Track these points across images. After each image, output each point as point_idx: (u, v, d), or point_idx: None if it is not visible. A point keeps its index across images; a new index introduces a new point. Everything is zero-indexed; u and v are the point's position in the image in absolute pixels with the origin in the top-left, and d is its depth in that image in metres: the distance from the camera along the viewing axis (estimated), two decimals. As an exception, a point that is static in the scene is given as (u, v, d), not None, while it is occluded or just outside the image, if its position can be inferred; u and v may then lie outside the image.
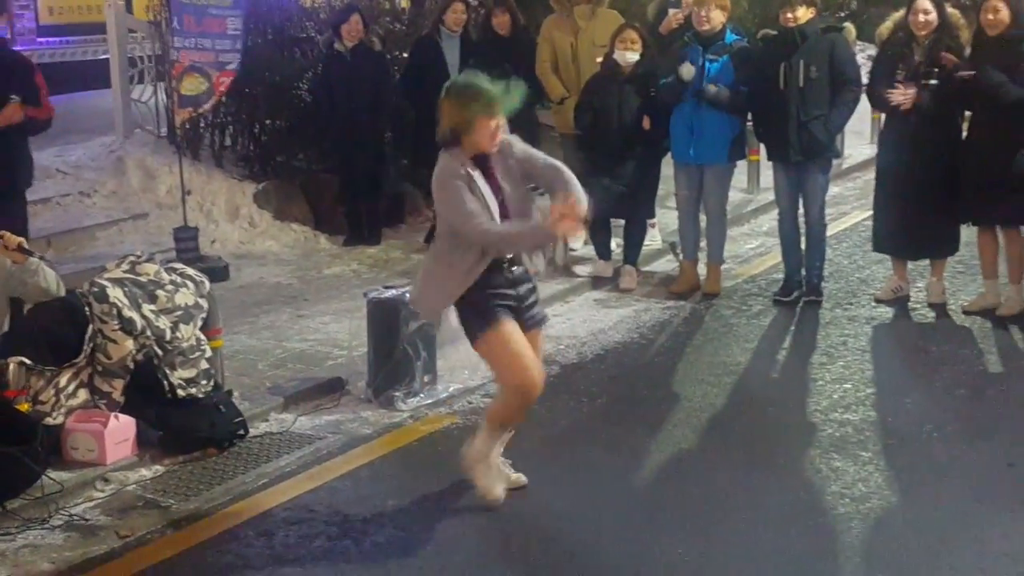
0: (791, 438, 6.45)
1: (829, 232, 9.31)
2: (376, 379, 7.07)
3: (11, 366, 5.96)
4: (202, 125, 11.17)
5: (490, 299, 5.44)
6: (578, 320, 8.69)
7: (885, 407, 6.84)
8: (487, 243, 5.33)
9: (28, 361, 6.01)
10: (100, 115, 12.22)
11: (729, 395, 7.16)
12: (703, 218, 9.28)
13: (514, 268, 5.47)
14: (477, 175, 5.36)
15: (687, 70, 8.62)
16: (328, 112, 10.55)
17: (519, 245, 5.43)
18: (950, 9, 8.37)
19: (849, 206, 12.13)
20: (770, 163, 9.02)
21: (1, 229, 6.20)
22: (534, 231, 5.40)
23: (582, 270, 9.58)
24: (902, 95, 8.18)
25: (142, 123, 11.56)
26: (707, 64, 8.73)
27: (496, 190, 5.38)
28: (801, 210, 8.84)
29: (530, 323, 5.59)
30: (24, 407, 6.00)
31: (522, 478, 5.82)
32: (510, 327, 5.44)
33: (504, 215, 5.38)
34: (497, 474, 5.68)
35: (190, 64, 9.67)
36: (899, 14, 8.45)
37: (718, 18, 8.77)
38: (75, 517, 5.62)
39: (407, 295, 7.02)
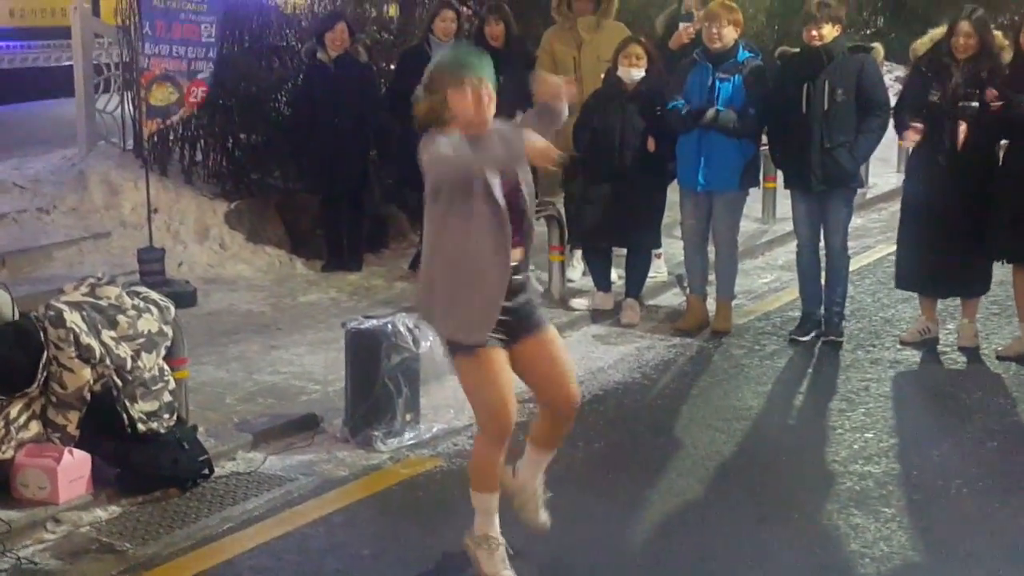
0: (806, 491, 6.42)
1: (852, 267, 9.30)
2: (354, 417, 7.05)
3: (-43, 395, 5.93)
4: (171, 138, 11.17)
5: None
6: (575, 357, 8.59)
7: (910, 459, 6.82)
8: (464, 160, 5.03)
9: (-25, 390, 5.98)
10: (62, 125, 12.23)
11: (739, 443, 7.14)
12: (712, 249, 9.27)
13: (515, 276, 5.25)
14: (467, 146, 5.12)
15: (711, 114, 8.63)
16: (308, 126, 10.56)
17: (509, 150, 5.05)
18: (996, 32, 8.41)
19: (873, 239, 12.14)
20: (787, 191, 9.02)
21: None
22: (514, 129, 5.13)
23: (580, 303, 9.57)
24: (917, 135, 8.23)
25: (107, 135, 11.56)
26: (717, 83, 8.74)
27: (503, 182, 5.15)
28: (821, 242, 8.84)
29: (533, 329, 5.36)
30: (-31, 439, 5.97)
31: (547, 524, 5.67)
32: (498, 355, 5.26)
33: (514, 209, 5.19)
34: (503, 557, 5.42)
35: (161, 73, 9.67)
36: (939, 31, 8.49)
37: (730, 35, 8.79)
38: (23, 560, 5.57)
39: (389, 326, 7.03)
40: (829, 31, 8.44)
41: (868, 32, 16.03)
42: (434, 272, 5.28)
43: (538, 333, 5.38)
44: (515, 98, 10.49)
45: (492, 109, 5.21)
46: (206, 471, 6.47)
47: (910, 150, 8.97)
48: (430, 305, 5.34)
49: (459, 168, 5.06)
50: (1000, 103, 8.07)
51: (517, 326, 5.31)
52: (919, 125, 8.26)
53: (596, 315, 9.49)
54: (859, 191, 9.53)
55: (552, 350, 5.41)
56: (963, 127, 8.18)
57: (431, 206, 5.25)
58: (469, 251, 5.16)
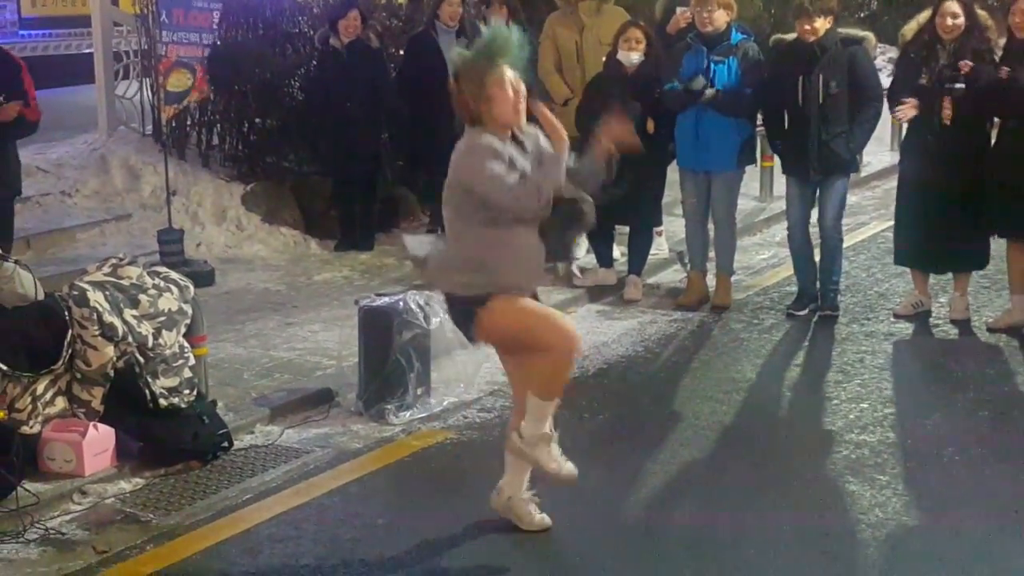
0: (804, 460, 6.42)
1: (846, 243, 9.29)
2: (367, 391, 7.05)
3: (-15, 372, 5.94)
4: (189, 123, 11.17)
5: None
6: (580, 332, 8.60)
7: (904, 428, 6.81)
8: (524, 203, 4.98)
9: (4, 367, 5.97)
10: (83, 112, 12.22)
11: (738, 413, 7.14)
12: (712, 227, 9.25)
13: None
14: (512, 149, 5.08)
15: (698, 82, 8.59)
16: (322, 111, 10.55)
17: (549, 178, 5.03)
18: (979, 11, 8.34)
19: (868, 216, 12.12)
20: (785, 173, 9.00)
21: None
22: (554, 158, 5.06)
23: (584, 280, 9.56)
24: (913, 109, 8.18)
25: (126, 120, 11.58)
26: (713, 66, 8.71)
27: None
28: (814, 220, 8.81)
29: None
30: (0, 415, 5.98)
31: (546, 520, 5.57)
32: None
33: None
34: (559, 454, 5.38)
35: (177, 59, 9.66)
36: (924, 15, 8.42)
37: (722, 18, 8.75)
38: (51, 531, 5.60)
39: (400, 303, 7.03)
40: (822, 24, 8.37)
41: (862, 15, 15.96)
42: (467, 252, 5.17)
43: None
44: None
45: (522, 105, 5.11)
46: (226, 444, 6.49)
47: (904, 130, 8.95)
48: (448, 274, 5.25)
49: (521, 208, 5.00)
50: (1007, 70, 7.97)
51: None
52: (913, 101, 8.20)
53: (600, 291, 9.48)
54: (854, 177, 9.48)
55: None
56: (947, 103, 8.13)
57: (472, 212, 5.11)
58: (516, 247, 5.14)
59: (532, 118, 5.21)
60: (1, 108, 8.19)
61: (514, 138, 5.16)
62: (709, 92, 8.62)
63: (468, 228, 5.17)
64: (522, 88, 5.11)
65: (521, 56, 5.13)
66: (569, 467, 5.41)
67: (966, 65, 8.07)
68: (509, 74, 5.07)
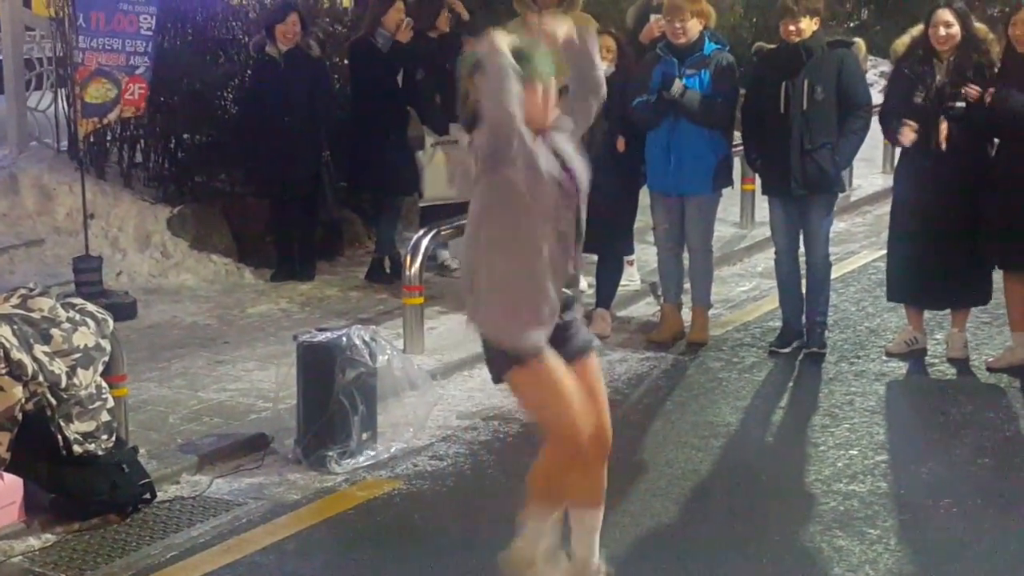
0: (788, 512, 6.45)
1: (834, 274, 9.35)
2: (306, 436, 7.04)
3: None
4: (109, 139, 11.14)
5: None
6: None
7: (897, 477, 6.86)
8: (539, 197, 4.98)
9: (-102, 410, 5.94)
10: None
11: (716, 461, 7.17)
12: (687, 255, 9.30)
13: (567, 289, 5.15)
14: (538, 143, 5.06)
15: (678, 87, 8.65)
16: (257, 125, 10.54)
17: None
18: (977, 24, 8.44)
19: (858, 244, 12.21)
20: (765, 195, 9.06)
21: None
22: None
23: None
24: (913, 133, 8.22)
25: (39, 135, 11.53)
26: (685, 79, 8.76)
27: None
28: (802, 248, 8.88)
29: (578, 351, 5.20)
30: None
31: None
32: (551, 356, 5.04)
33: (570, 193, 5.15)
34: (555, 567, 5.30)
35: (97, 68, 9.64)
36: (918, 28, 8.50)
37: (694, 28, 8.81)
38: (-51, 593, 5.56)
39: (344, 339, 7.02)
40: (807, 25, 8.46)
41: (851, 25, 16.12)
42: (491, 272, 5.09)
43: (582, 357, 5.22)
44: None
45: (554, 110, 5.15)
46: (147, 496, 6.45)
47: (898, 154, 9.02)
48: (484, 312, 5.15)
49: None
50: (991, 98, 8.08)
51: (563, 342, 5.16)
52: (913, 124, 8.27)
53: (564, 326, 9.49)
54: (840, 194, 9.55)
55: (592, 380, 5.25)
56: (944, 126, 8.20)
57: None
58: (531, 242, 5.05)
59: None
60: None
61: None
62: (677, 85, 8.65)
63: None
64: (549, 89, 5.12)
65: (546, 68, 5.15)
66: None
67: (969, 91, 8.12)
68: (535, 76, 5.07)
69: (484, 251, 5.08)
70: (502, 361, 5.12)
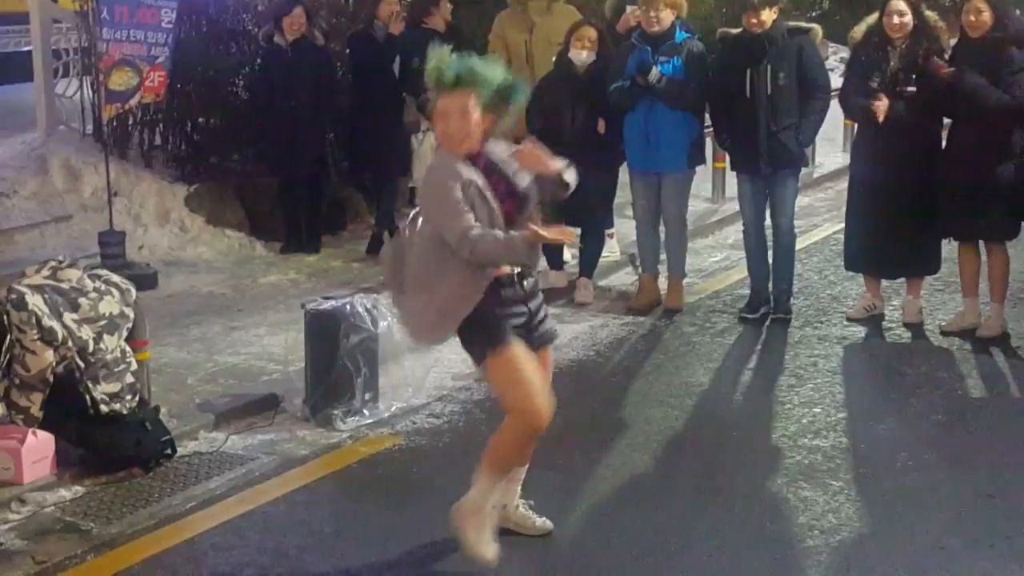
0: (756, 465, 6.45)
1: (799, 245, 9.35)
2: (313, 396, 7.03)
3: (-80, 377, 5.88)
4: (131, 122, 11.09)
5: (501, 315, 5.10)
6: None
7: (857, 433, 6.86)
8: (470, 251, 4.91)
9: (-61, 372, 5.93)
10: (22, 110, 12.10)
11: (690, 418, 7.17)
12: (663, 229, 9.29)
13: (526, 280, 5.17)
14: (479, 179, 4.99)
15: (654, 74, 8.62)
16: (266, 110, 10.51)
17: (506, 256, 4.99)
18: (928, 12, 8.41)
19: (820, 218, 12.20)
20: (735, 171, 9.05)
21: None
22: (519, 240, 4.95)
23: (534, 282, 9.55)
24: (882, 110, 8.18)
25: (67, 120, 11.47)
26: (659, 65, 8.73)
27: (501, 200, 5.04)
28: (768, 221, 8.87)
29: (541, 340, 5.30)
30: (-65, 422, 5.93)
31: (547, 524, 5.59)
32: (520, 348, 5.12)
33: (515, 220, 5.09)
34: (491, 533, 5.29)
35: (120, 58, 9.60)
36: (873, 17, 8.47)
37: (668, 18, 8.78)
38: (-12, 540, 5.55)
39: (347, 307, 7.01)
40: (768, 16, 8.43)
41: (813, 14, 16.07)
42: (443, 294, 5.09)
43: (544, 348, 5.34)
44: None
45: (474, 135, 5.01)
46: (169, 451, 6.45)
47: (855, 132, 9.00)
48: (444, 325, 5.16)
49: (468, 251, 4.93)
50: (949, 70, 8.03)
51: (530, 328, 5.22)
52: (884, 98, 8.20)
53: (550, 294, 9.43)
54: (805, 170, 9.55)
55: (544, 371, 5.35)
56: (883, 102, 8.13)
57: (438, 241, 5.03)
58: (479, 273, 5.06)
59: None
60: None
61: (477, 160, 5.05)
62: (654, 72, 8.62)
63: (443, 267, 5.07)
64: (475, 113, 4.97)
65: (497, 95, 5.01)
66: (487, 553, 5.23)
67: (937, 63, 8.08)
68: (469, 103, 4.94)
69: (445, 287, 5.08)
70: (476, 350, 5.16)
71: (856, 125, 8.87)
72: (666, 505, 5.97)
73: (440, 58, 5.02)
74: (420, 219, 5.20)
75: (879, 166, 8.39)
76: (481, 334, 5.12)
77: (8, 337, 6.10)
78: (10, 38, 15.46)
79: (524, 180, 5.13)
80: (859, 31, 8.55)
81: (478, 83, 4.97)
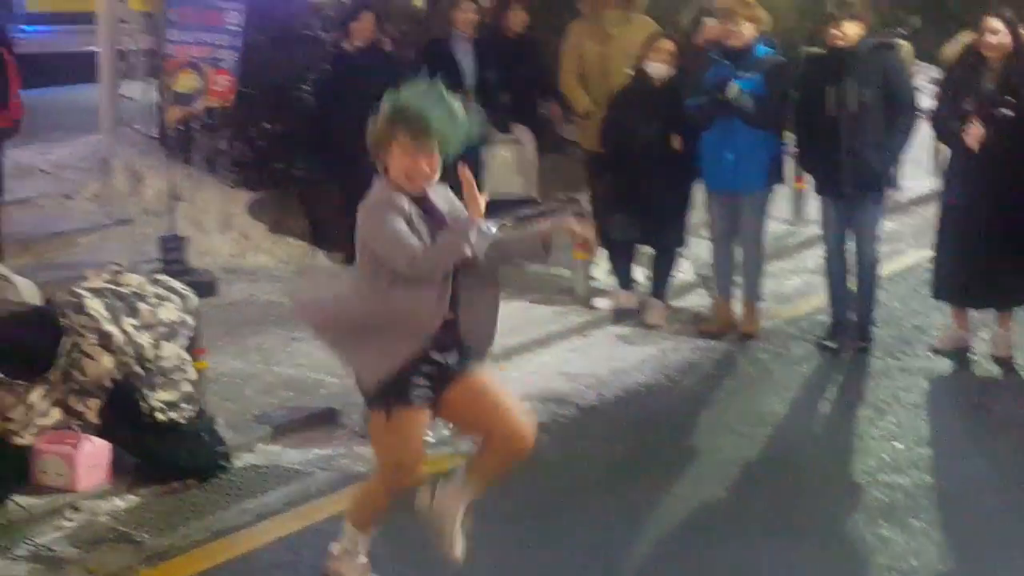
0: (833, 501, 6.39)
1: (883, 272, 9.25)
2: (374, 412, 7.02)
3: (-22, 378, 5.95)
4: (195, 127, 11.18)
5: (416, 368, 4.96)
6: (598, 357, 8.65)
7: (940, 471, 6.78)
8: (420, 270, 4.85)
9: (-1, 374, 5.99)
10: (86, 112, 12.24)
11: (764, 449, 7.11)
12: (740, 251, 9.23)
13: (447, 332, 5.00)
14: (414, 211, 4.95)
15: (732, 88, 8.58)
16: (332, 117, 10.55)
17: (453, 250, 4.86)
18: (1024, 30, 8.30)
19: (905, 244, 12.05)
20: (817, 193, 8.98)
21: None
22: (463, 228, 4.87)
23: (603, 303, 9.54)
24: (975, 137, 8.07)
25: (130, 122, 11.57)
26: (738, 81, 8.68)
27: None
28: (851, 246, 8.79)
29: (458, 377, 5.10)
30: (-9, 425, 5.99)
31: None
32: (422, 416, 5.04)
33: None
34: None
35: (186, 60, 9.67)
36: (968, 35, 8.38)
37: (748, 32, 8.74)
38: (41, 548, 5.62)
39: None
40: (851, 30, 8.34)
41: (901, 32, 15.93)
42: (365, 323, 4.98)
43: (463, 379, 5.11)
44: (529, 91, 10.51)
45: (431, 176, 4.99)
46: (224, 463, 6.50)
47: (945, 157, 8.90)
48: (355, 354, 5.07)
49: (416, 274, 4.87)
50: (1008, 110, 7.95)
51: (443, 379, 5.07)
52: (979, 124, 8.08)
53: (619, 315, 9.46)
54: (890, 194, 9.44)
55: (478, 385, 5.12)
56: (977, 130, 8.05)
57: (375, 270, 4.95)
58: (415, 313, 4.93)
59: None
60: None
61: (421, 201, 5.02)
62: (732, 87, 8.58)
63: (377, 294, 4.97)
64: (432, 159, 4.97)
65: (450, 139, 5.00)
66: None
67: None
68: (413, 138, 4.96)
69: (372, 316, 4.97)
70: (376, 396, 5.02)
71: (948, 149, 8.75)
72: (735, 541, 5.89)
73: (424, 101, 5.03)
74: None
75: (973, 192, 8.27)
76: (391, 382, 4.97)
77: (67, 341, 6.16)
78: (75, 38, 15.64)
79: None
80: (953, 50, 8.47)
81: (447, 135, 4.99)
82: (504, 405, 5.13)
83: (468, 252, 4.84)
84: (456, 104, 5.05)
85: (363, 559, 5.32)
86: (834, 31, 8.36)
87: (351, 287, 5.13)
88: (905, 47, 8.80)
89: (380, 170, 5.08)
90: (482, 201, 5.00)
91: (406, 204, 4.95)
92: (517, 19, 10.38)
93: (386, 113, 5.03)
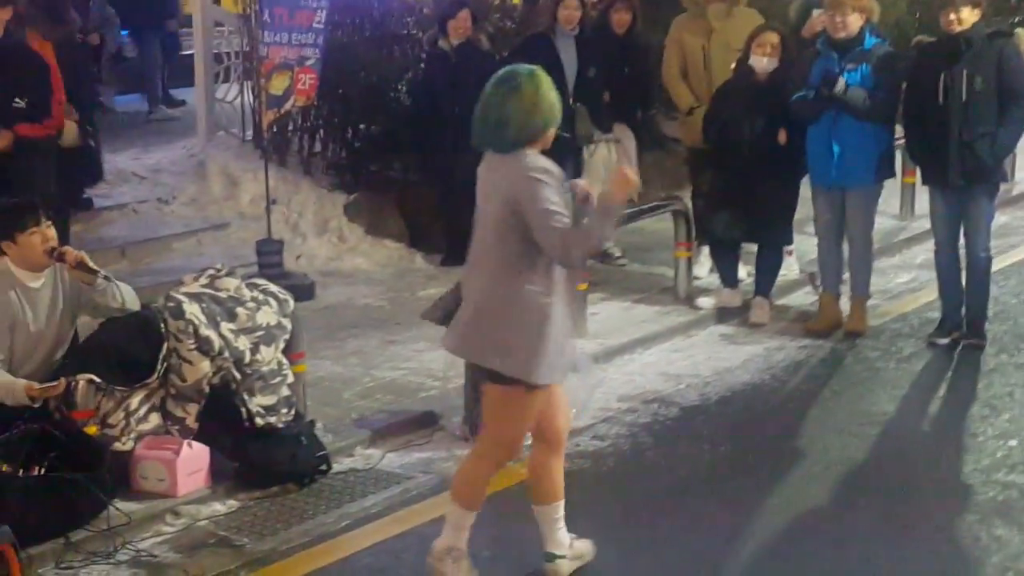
0: (945, 500, 6.35)
1: (995, 267, 9.12)
2: (473, 415, 7.09)
3: (80, 384, 6.09)
4: (290, 129, 11.31)
5: (565, 351, 5.32)
6: (701, 357, 8.65)
7: (1057, 469, 6.70)
8: (572, 243, 5.06)
9: (98, 379, 6.13)
10: (182, 115, 12.44)
11: (872, 448, 7.07)
12: (847, 247, 9.18)
13: None
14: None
15: (841, 84, 8.52)
16: (429, 117, 10.63)
17: (603, 229, 5.18)
18: None
19: (1019, 237, 11.89)
20: (926, 186, 8.90)
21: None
22: (604, 210, 5.18)
23: (706, 301, 9.52)
24: None
25: (226, 125, 11.73)
26: (845, 74, 8.62)
27: None
28: (962, 241, 8.70)
29: None
30: (92, 430, 6.14)
31: (586, 551, 5.69)
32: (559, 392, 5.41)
33: None
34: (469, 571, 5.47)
35: (280, 61, 9.78)
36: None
37: (856, 22, 8.66)
38: (142, 553, 5.75)
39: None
40: (968, 15, 8.24)
41: (1016, 20, 15.69)
42: (511, 312, 5.23)
43: None
44: (635, 90, 10.51)
45: None
46: (324, 467, 6.58)
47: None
48: (494, 343, 5.28)
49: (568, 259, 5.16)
50: None
51: None
52: None
53: (723, 313, 9.44)
54: (1003, 186, 9.33)
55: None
56: None
57: (528, 252, 5.19)
58: (553, 297, 5.22)
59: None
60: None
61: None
62: (841, 83, 8.53)
63: (524, 282, 5.22)
64: None
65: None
66: None
67: None
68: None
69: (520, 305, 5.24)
70: (525, 371, 5.23)
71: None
72: (845, 543, 5.88)
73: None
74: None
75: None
76: (547, 360, 5.21)
77: (165, 346, 6.29)
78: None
79: None
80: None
81: None
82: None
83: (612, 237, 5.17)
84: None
85: (466, 560, 5.41)
86: (951, 15, 8.27)
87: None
88: (1021, 35, 8.66)
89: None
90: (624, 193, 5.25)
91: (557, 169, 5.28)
92: (621, 19, 10.37)
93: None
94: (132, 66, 14.63)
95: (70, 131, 9.16)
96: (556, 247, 5.05)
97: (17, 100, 8.29)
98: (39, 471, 5.80)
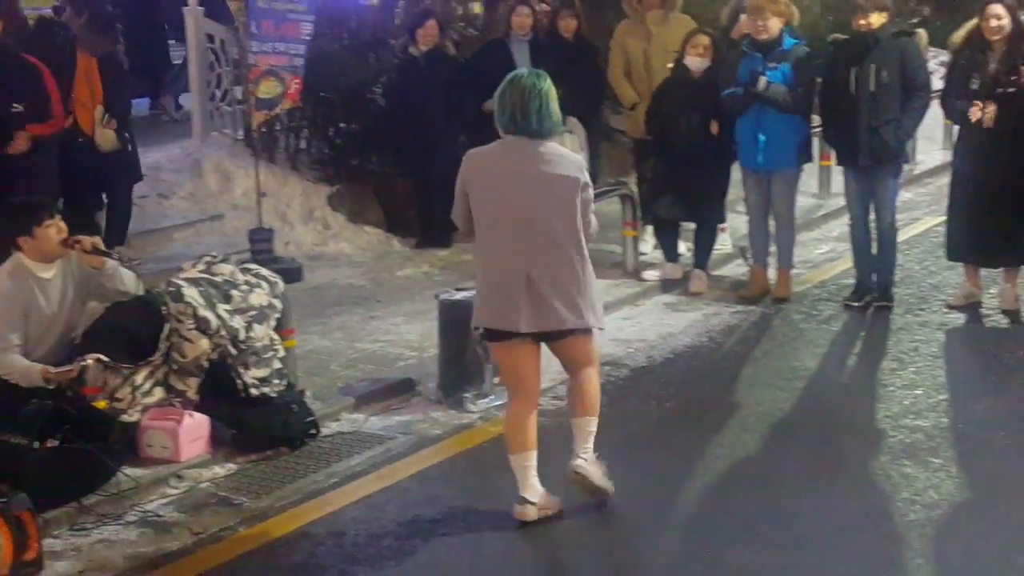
0: (860, 444, 6.34)
1: (900, 237, 9.12)
2: (446, 380, 7.06)
3: (90, 363, 6.01)
4: (278, 128, 11.23)
5: None
6: (648, 324, 8.62)
7: (957, 413, 6.71)
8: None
9: (106, 359, 6.06)
10: (180, 118, 12.33)
11: (798, 400, 7.07)
12: (773, 223, 9.16)
13: None
14: None
15: (761, 82, 8.50)
16: (403, 116, 10.55)
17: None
18: (1025, 15, 8.17)
19: (921, 211, 11.92)
20: (840, 168, 8.89)
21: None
22: None
23: (651, 275, 9.50)
24: (980, 112, 7.98)
25: (220, 127, 11.64)
26: (768, 72, 8.60)
27: None
28: (872, 215, 8.70)
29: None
30: (101, 404, 6.07)
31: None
32: None
33: None
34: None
35: (267, 68, 9.71)
36: (972, 22, 8.28)
37: (776, 25, 8.65)
38: (149, 514, 5.68)
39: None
40: (877, 19, 8.26)
41: (914, 21, 15.71)
42: (586, 274, 5.50)
43: None
44: (582, 94, 10.47)
45: None
46: (313, 431, 6.53)
47: (955, 132, 8.80)
48: (591, 303, 5.53)
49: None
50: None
51: None
52: (980, 104, 8.02)
53: (666, 285, 9.42)
54: (906, 167, 9.33)
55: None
56: (991, 108, 7.96)
57: (579, 224, 5.49)
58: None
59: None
60: (12, 142, 8.16)
61: None
62: (762, 81, 8.51)
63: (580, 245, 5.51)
64: None
65: None
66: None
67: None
68: None
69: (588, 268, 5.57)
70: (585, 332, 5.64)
71: (956, 125, 8.63)
72: (776, 483, 5.89)
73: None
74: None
75: (980, 164, 8.19)
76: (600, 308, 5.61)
77: (167, 326, 6.22)
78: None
79: None
80: (959, 36, 8.35)
81: None
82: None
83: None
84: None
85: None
86: (861, 21, 8.27)
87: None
88: (922, 35, 8.67)
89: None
90: None
91: None
92: (568, 25, 10.29)
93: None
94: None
95: (109, 137, 9.06)
96: (594, 223, 5.54)
97: (15, 105, 8.14)
98: (54, 443, 5.72)
